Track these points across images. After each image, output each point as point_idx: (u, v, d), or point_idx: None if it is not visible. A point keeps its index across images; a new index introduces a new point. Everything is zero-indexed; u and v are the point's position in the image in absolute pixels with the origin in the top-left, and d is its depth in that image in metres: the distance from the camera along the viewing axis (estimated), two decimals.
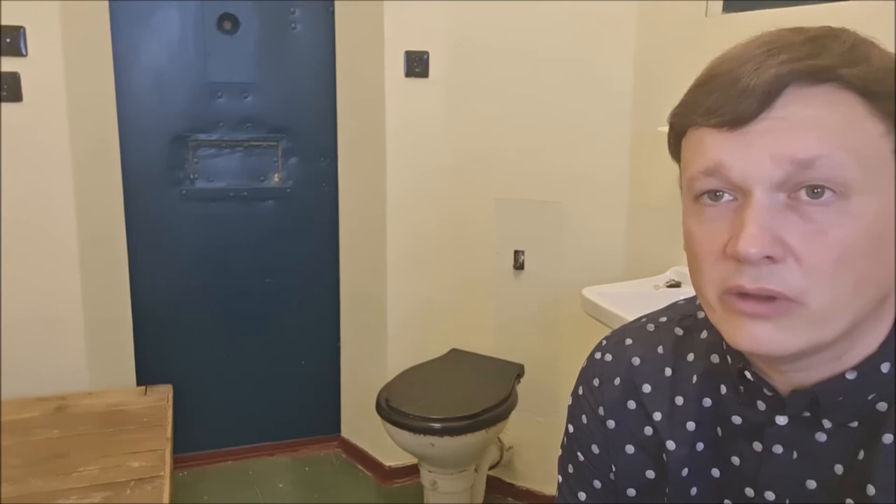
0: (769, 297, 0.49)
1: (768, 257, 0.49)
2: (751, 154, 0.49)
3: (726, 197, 0.52)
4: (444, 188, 2.29)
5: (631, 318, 0.75)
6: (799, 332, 0.50)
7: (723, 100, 0.50)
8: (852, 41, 0.50)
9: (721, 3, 1.71)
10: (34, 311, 1.99)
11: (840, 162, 0.48)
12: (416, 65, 2.18)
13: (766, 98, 0.49)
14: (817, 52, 0.49)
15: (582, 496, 0.73)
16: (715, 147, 0.51)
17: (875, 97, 0.49)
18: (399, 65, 2.18)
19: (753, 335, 0.51)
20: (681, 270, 1.73)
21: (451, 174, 2.28)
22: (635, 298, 1.62)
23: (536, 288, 2.20)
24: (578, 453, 0.73)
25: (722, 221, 0.52)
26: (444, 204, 2.30)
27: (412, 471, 2.31)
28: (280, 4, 2.35)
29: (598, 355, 0.72)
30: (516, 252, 2.22)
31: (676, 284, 1.70)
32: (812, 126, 0.48)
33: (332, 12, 2.39)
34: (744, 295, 0.50)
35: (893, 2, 1.23)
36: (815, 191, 0.48)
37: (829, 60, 0.49)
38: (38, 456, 1.65)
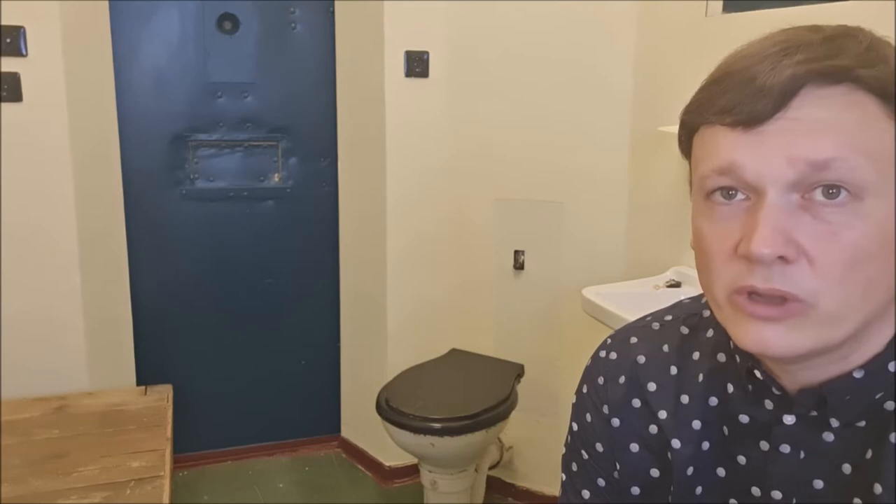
0: (780, 300, 0.49)
1: (781, 258, 0.48)
2: (765, 154, 0.49)
3: (739, 196, 0.51)
4: (444, 188, 2.29)
5: (631, 318, 0.75)
6: (808, 334, 0.50)
7: (738, 99, 0.50)
8: (869, 41, 0.50)
9: (721, 3, 1.71)
10: (34, 311, 1.98)
11: (855, 164, 0.47)
12: (416, 65, 2.18)
13: (783, 98, 0.48)
14: (834, 52, 0.49)
15: (586, 494, 0.73)
16: (728, 146, 0.51)
17: (891, 98, 0.49)
18: (399, 65, 2.18)
19: (762, 336, 0.50)
20: (681, 270, 1.73)
21: (451, 174, 2.28)
22: (635, 298, 1.62)
23: (536, 288, 2.21)
24: (582, 451, 0.73)
25: (733, 221, 0.51)
26: (444, 204, 2.30)
27: (412, 471, 2.31)
28: (280, 4, 2.35)
29: (602, 353, 0.72)
30: (516, 252, 2.22)
31: (676, 284, 1.70)
32: (827, 127, 0.48)
33: (332, 12, 2.39)
34: (754, 297, 0.50)
35: (893, 2, 1.24)
36: (831, 191, 0.48)
37: (847, 61, 0.48)
38: (38, 456, 1.65)
